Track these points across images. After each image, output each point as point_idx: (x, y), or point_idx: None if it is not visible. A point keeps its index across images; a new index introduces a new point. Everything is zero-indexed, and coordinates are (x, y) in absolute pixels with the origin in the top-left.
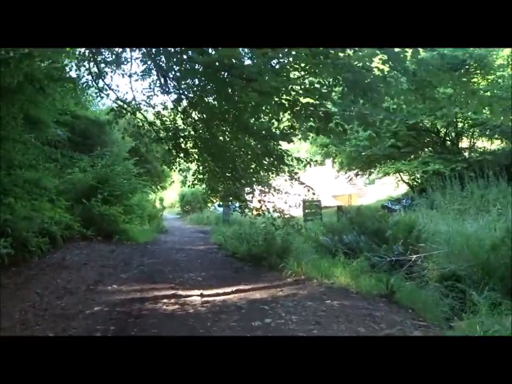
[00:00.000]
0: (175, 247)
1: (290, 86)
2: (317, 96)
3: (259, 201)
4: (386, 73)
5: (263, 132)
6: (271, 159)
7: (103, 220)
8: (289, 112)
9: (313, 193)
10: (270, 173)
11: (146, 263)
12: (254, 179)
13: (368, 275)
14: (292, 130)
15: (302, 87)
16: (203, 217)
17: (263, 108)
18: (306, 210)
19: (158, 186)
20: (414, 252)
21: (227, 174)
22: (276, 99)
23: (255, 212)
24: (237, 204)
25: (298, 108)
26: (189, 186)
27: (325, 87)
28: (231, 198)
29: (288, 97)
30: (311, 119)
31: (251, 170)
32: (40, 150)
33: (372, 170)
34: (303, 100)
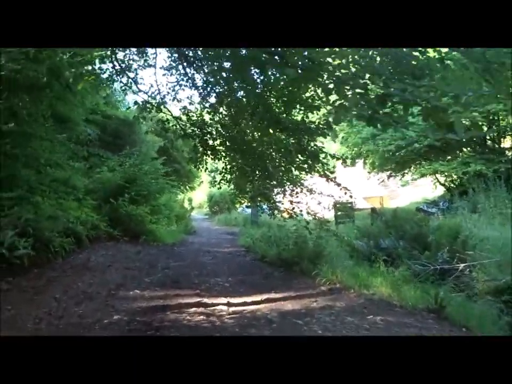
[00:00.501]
0: (202, 249)
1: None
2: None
3: (290, 202)
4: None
5: (296, 126)
6: (304, 156)
7: (130, 220)
8: (334, 92)
9: (350, 196)
10: (302, 172)
11: (172, 266)
12: (285, 178)
13: (411, 285)
14: (325, 125)
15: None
16: (231, 218)
17: (297, 98)
18: (338, 213)
19: (187, 187)
20: (461, 260)
21: (256, 173)
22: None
23: (286, 214)
24: (266, 205)
25: (348, 88)
26: (217, 187)
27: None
28: (259, 199)
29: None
30: (362, 102)
31: (282, 168)
32: (67, 148)
33: (406, 172)
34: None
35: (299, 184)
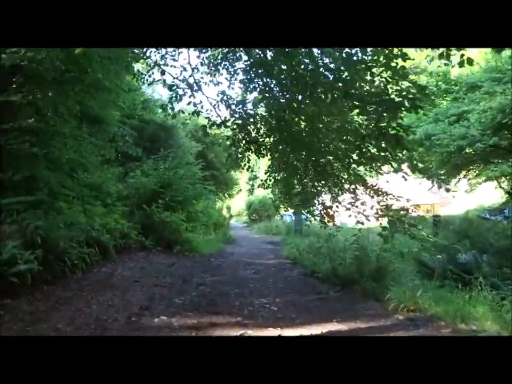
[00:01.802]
0: (242, 261)
1: None
2: None
3: (351, 205)
4: None
5: (375, 99)
6: (383, 141)
7: (164, 228)
8: None
9: (407, 200)
10: (371, 168)
11: (209, 282)
12: (345, 176)
13: None
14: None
15: None
16: (271, 227)
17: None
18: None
19: (226, 194)
20: None
21: (310, 171)
22: None
23: (348, 221)
24: (316, 211)
25: None
26: (262, 186)
27: None
28: (315, 203)
29: None
30: None
31: (342, 164)
32: (93, 146)
33: (460, 177)
34: None
35: (363, 184)
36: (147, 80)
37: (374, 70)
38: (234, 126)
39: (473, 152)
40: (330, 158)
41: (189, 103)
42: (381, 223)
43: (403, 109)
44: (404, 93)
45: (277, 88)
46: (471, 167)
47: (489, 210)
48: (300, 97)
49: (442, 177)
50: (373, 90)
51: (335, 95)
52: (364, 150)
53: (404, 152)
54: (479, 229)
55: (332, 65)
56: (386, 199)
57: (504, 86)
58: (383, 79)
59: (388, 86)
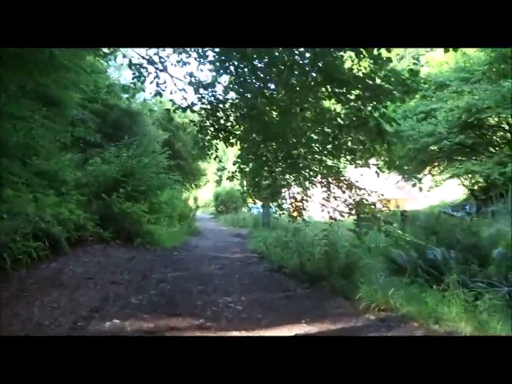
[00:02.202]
0: (207, 255)
1: None
2: None
3: (326, 199)
4: None
5: (362, 83)
6: (362, 133)
7: (124, 219)
8: None
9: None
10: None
11: (170, 278)
12: (317, 169)
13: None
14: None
15: None
16: (238, 219)
17: None
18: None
19: (193, 185)
20: None
21: (280, 162)
22: None
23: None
24: (285, 205)
25: None
26: (230, 179)
27: None
28: (284, 196)
29: None
30: None
31: (314, 158)
32: (46, 129)
33: (425, 173)
34: None
35: (335, 177)
36: (110, 59)
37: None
38: (203, 112)
39: (438, 150)
40: (302, 150)
41: (151, 82)
42: (354, 219)
43: (393, 95)
44: (393, 79)
45: (250, 72)
46: (436, 164)
47: (451, 206)
48: (274, 83)
49: (408, 173)
50: (357, 74)
51: (313, 80)
52: (341, 141)
53: (384, 145)
54: (445, 225)
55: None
56: (358, 194)
57: (472, 86)
58: (367, 65)
59: (374, 71)
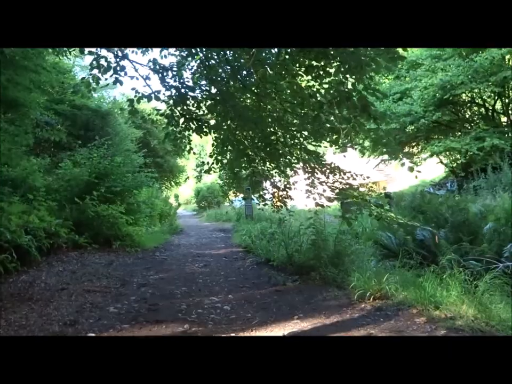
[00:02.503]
0: (190, 253)
1: None
2: None
3: (310, 188)
4: None
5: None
6: (346, 110)
7: (100, 223)
8: None
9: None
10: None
11: (152, 281)
12: (298, 154)
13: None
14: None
15: None
16: (221, 213)
17: None
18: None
19: (172, 182)
20: None
21: (260, 150)
22: None
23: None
24: (267, 195)
25: None
26: (207, 172)
27: None
28: (265, 187)
29: None
30: None
31: (294, 143)
32: (4, 133)
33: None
34: None
35: (318, 163)
36: (70, 53)
37: None
38: (171, 101)
39: (415, 129)
40: (281, 135)
41: (111, 72)
42: (340, 205)
43: (378, 63)
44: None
45: (220, 53)
46: (414, 144)
47: (432, 185)
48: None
49: (398, 150)
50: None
51: (287, 54)
52: (322, 120)
53: (371, 120)
54: (432, 203)
55: None
56: (343, 178)
57: (445, 63)
58: None
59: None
